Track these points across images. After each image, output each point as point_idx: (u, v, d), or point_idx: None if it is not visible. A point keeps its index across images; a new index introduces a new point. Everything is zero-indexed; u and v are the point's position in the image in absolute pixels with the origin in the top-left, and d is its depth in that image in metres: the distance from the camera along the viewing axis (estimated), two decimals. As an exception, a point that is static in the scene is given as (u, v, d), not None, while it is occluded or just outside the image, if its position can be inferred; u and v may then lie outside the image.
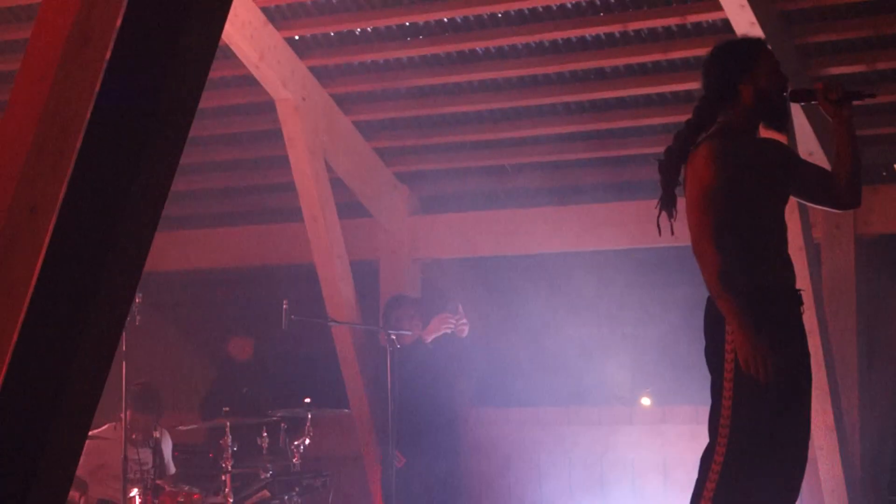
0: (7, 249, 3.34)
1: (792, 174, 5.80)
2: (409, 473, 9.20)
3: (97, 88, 3.77)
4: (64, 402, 3.17)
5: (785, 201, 5.79)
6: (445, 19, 9.06)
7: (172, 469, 9.47)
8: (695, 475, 5.72)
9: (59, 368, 3.16)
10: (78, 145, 3.56)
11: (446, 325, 9.29)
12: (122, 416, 8.54)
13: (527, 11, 8.82)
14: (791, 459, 5.70)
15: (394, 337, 9.22)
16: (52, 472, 3.21)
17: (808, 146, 8.55)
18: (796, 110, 7.79)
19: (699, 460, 5.67)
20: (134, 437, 9.02)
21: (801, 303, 5.72)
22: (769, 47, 5.87)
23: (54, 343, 3.18)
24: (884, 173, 9.42)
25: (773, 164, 5.70)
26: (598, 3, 8.67)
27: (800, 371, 5.69)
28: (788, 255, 5.74)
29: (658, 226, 5.61)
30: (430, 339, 9.34)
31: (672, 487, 9.37)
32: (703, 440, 5.75)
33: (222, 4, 3.43)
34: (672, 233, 5.60)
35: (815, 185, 5.88)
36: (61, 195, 3.44)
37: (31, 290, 3.23)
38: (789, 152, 5.91)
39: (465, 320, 9.33)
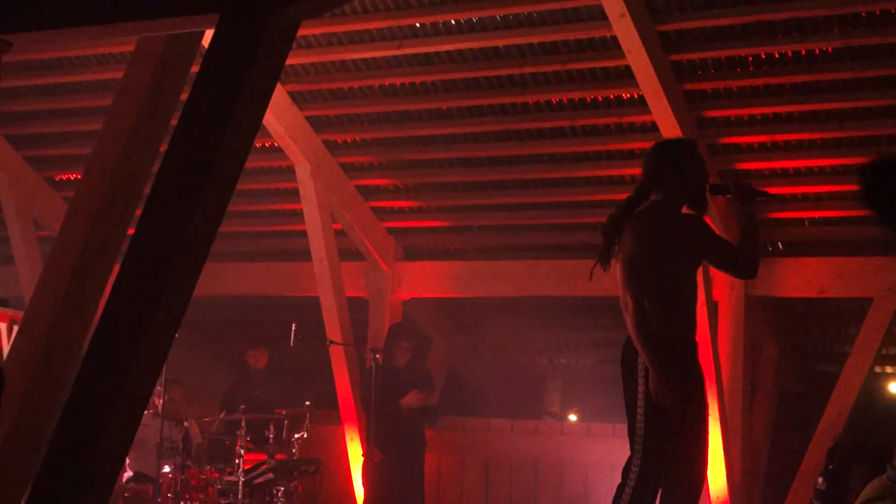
0: (85, 271, 3.33)
1: (707, 247, 5.80)
2: (383, 466, 9.17)
3: (162, 150, 3.75)
4: (126, 393, 3.17)
5: (696, 268, 5.79)
6: (434, 108, 9.10)
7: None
8: (611, 478, 5.70)
9: (126, 363, 3.15)
10: (146, 192, 3.55)
11: (420, 400, 9.26)
12: (160, 401, 8.48)
13: (496, 105, 8.89)
14: (692, 468, 5.68)
15: (378, 357, 9.19)
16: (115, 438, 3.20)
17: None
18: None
19: (622, 469, 5.62)
20: (176, 411, 9.12)
21: (696, 349, 5.72)
22: (698, 148, 5.89)
23: (122, 342, 3.18)
24: (770, 248, 9.45)
25: (690, 236, 5.69)
26: (553, 102, 8.73)
27: (699, 400, 5.68)
28: (694, 312, 5.73)
29: (591, 273, 5.59)
30: (405, 406, 9.29)
31: (593, 488, 9.36)
32: (618, 451, 5.73)
33: (267, 90, 3.42)
34: (607, 268, 5.59)
35: (724, 258, 5.88)
36: (131, 232, 3.43)
37: (101, 307, 3.22)
38: (707, 230, 5.89)
39: (434, 396, 9.43)
